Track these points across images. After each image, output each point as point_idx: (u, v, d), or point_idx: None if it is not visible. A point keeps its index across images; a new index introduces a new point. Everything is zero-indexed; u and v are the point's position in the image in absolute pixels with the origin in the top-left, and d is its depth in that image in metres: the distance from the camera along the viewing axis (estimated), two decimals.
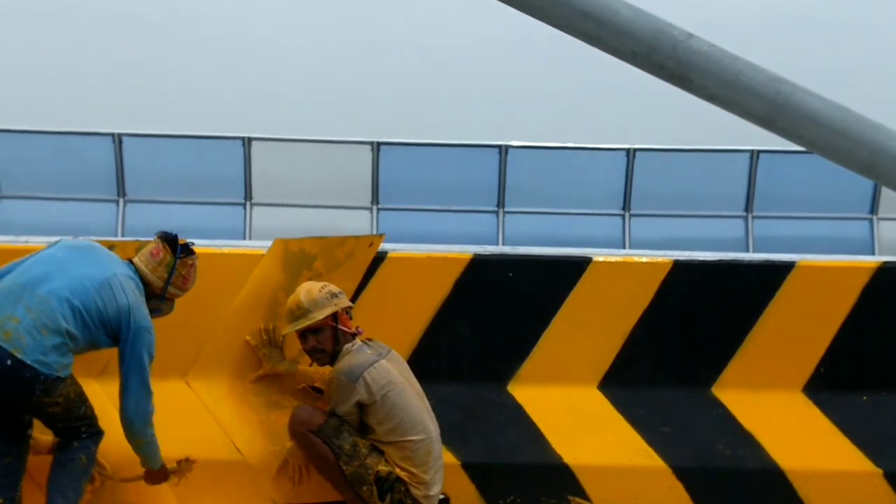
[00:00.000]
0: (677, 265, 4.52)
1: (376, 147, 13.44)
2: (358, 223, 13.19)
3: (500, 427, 4.34)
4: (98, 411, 3.73)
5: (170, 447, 3.86)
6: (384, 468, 3.86)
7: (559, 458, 4.26)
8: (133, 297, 3.67)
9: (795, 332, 4.46)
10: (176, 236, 3.86)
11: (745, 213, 13.82)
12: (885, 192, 13.07)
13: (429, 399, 4.09)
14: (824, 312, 4.48)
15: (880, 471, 4.25)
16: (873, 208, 13.79)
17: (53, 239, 3.90)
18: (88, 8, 16.57)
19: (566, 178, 13.74)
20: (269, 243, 4.34)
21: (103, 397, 3.95)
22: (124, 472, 3.92)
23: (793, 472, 4.25)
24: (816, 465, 4.27)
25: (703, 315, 4.51)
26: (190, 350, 4.27)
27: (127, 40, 16.92)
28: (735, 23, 15.42)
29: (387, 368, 3.94)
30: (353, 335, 4.03)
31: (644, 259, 4.63)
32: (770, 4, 17.09)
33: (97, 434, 3.72)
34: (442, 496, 4.04)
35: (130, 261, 3.83)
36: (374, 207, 13.60)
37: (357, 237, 4.41)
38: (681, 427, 4.37)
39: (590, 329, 4.47)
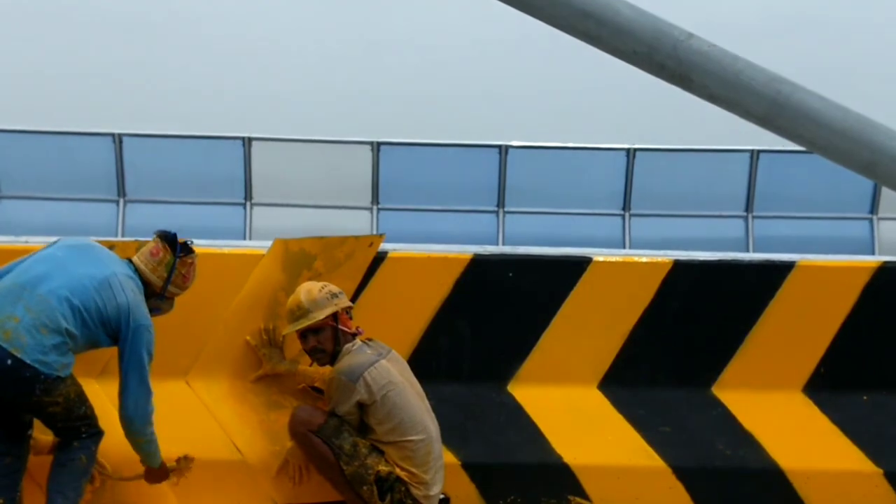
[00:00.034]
0: (677, 265, 4.52)
1: (376, 147, 13.43)
2: (358, 223, 13.19)
3: (500, 427, 4.34)
4: (98, 411, 3.73)
5: (170, 447, 3.87)
6: (384, 468, 3.86)
7: (559, 458, 4.26)
8: (132, 296, 3.67)
9: (795, 332, 4.46)
10: (175, 235, 3.86)
11: (745, 213, 13.81)
12: (885, 192, 13.07)
13: (429, 399, 4.09)
14: (824, 312, 4.48)
15: (880, 471, 4.26)
16: (873, 208, 13.79)
17: (53, 239, 3.90)
18: (88, 8, 16.57)
19: (566, 178, 13.73)
20: (269, 243, 4.34)
21: (103, 397, 3.95)
22: (124, 472, 3.93)
23: (793, 472, 4.25)
24: (816, 465, 4.27)
25: (703, 315, 4.51)
26: (190, 350, 4.27)
27: (127, 40, 16.92)
28: (735, 23, 15.42)
29: (387, 368, 3.94)
30: (354, 335, 4.03)
31: (644, 259, 4.63)
32: (770, 4, 17.08)
33: (97, 434, 3.72)
34: (442, 496, 4.04)
35: (130, 260, 3.83)
36: (374, 207, 13.60)
37: (357, 237, 4.41)
38: (681, 427, 4.37)
39: (590, 329, 4.47)
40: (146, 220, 12.57)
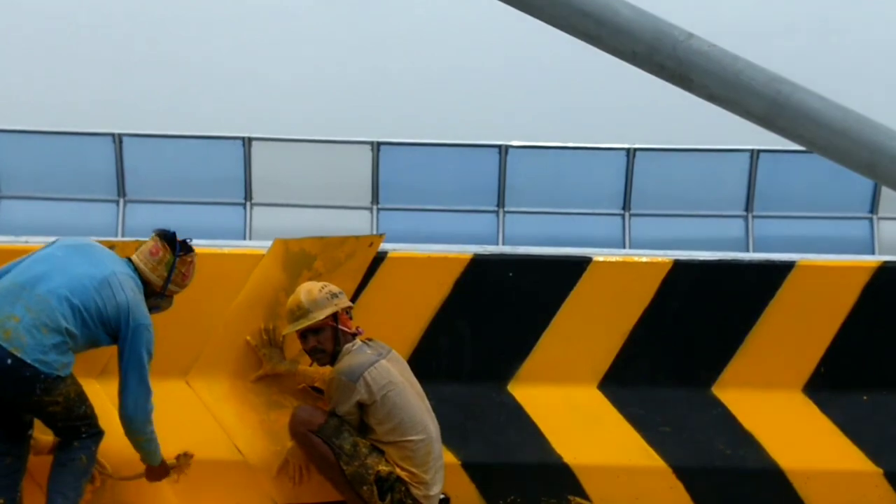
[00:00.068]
0: (677, 265, 4.52)
1: (376, 147, 13.44)
2: (358, 223, 13.19)
3: (500, 427, 4.34)
4: (98, 411, 3.73)
5: (170, 447, 3.87)
6: (384, 468, 3.86)
7: (559, 457, 4.26)
8: (132, 295, 3.68)
9: (795, 331, 4.46)
10: (174, 234, 3.87)
11: (745, 213, 13.82)
12: (885, 191, 13.07)
13: (429, 399, 4.09)
14: (824, 312, 4.48)
15: (880, 470, 4.26)
16: (873, 208, 13.79)
17: (53, 239, 3.90)
18: (88, 8, 16.57)
19: (566, 178, 13.73)
20: (269, 243, 4.35)
21: (103, 397, 3.95)
22: (125, 471, 3.93)
23: (793, 472, 4.25)
24: (816, 465, 4.27)
25: (703, 315, 4.51)
26: (190, 350, 4.27)
27: (127, 40, 16.92)
28: (735, 23, 15.41)
29: (387, 368, 3.94)
30: (354, 335, 4.03)
31: (644, 259, 4.63)
32: (770, 4, 17.08)
33: (97, 434, 3.72)
34: (442, 496, 4.04)
35: (129, 259, 3.83)
36: (374, 207, 13.61)
37: (357, 237, 4.41)
38: (681, 427, 4.37)
39: (590, 329, 4.47)
40: (146, 220, 12.56)
